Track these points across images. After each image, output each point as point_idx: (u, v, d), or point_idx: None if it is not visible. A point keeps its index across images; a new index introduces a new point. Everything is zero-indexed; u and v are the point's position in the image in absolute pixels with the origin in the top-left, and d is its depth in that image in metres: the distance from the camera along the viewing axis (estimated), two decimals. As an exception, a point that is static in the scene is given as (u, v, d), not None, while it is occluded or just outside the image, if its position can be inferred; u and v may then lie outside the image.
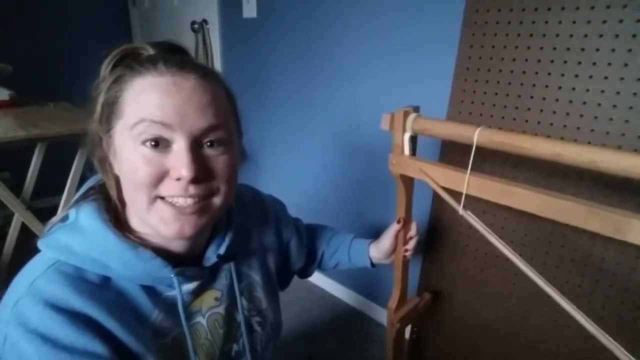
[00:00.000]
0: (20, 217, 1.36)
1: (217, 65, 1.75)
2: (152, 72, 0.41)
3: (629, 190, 0.75)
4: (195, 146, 0.41)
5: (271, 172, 1.70)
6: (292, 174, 1.64)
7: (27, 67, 1.92)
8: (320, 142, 1.47)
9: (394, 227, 0.77)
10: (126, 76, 0.42)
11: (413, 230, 0.79)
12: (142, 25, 2.24)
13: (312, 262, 0.81)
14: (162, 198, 0.42)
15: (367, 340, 1.38)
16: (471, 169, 0.62)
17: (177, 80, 0.40)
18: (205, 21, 1.72)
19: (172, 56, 0.43)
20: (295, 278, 0.80)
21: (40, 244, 0.43)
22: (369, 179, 1.35)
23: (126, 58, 0.44)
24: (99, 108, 0.43)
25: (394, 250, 0.80)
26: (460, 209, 0.64)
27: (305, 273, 0.82)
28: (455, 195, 0.66)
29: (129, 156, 0.41)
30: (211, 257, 0.51)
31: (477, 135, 0.60)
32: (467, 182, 0.63)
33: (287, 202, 0.76)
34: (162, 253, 0.45)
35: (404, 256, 0.82)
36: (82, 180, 0.55)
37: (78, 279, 0.41)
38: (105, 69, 0.44)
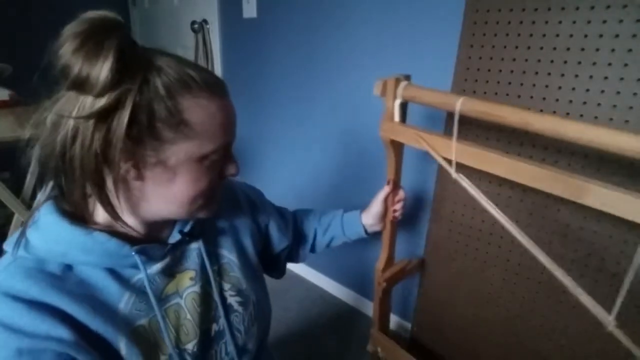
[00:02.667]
0: (20, 217, 1.36)
1: (217, 65, 1.75)
2: (206, 93, 0.44)
3: (590, 158, 0.76)
4: None
5: (271, 171, 1.71)
6: (292, 173, 1.64)
7: (27, 67, 1.92)
8: (321, 142, 1.47)
9: (384, 190, 0.84)
10: (184, 93, 0.42)
11: (401, 194, 0.87)
12: (142, 25, 2.24)
13: (302, 243, 0.83)
14: (214, 193, 0.50)
15: (367, 339, 1.37)
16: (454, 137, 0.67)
17: (228, 104, 0.47)
18: (205, 21, 1.72)
19: (213, 78, 0.46)
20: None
21: (4, 245, 0.45)
22: (370, 177, 1.35)
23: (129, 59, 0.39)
24: (143, 117, 0.40)
25: (385, 213, 0.86)
26: (453, 173, 0.68)
27: (296, 256, 0.83)
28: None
29: (192, 169, 0.45)
30: (175, 235, 0.53)
31: (459, 104, 0.64)
32: (454, 147, 0.67)
33: (287, 199, 0.76)
34: (130, 239, 0.46)
35: (394, 217, 0.89)
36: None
37: (38, 271, 0.42)
38: (112, 65, 0.37)
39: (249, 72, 1.65)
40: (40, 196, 0.47)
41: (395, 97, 0.75)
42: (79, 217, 0.46)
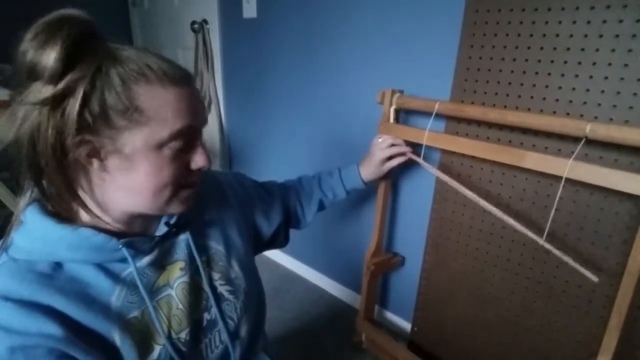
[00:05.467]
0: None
1: (217, 65, 1.75)
2: (163, 81, 0.43)
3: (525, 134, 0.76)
4: None
5: (271, 171, 1.70)
6: (291, 173, 1.64)
7: (27, 67, 1.92)
8: (321, 141, 1.47)
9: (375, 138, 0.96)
10: (139, 81, 0.42)
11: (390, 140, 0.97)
12: (142, 25, 2.24)
13: (304, 209, 0.90)
14: (184, 186, 0.48)
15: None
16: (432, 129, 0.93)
17: (188, 91, 0.46)
18: (205, 21, 1.72)
19: (174, 68, 0.46)
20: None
21: None
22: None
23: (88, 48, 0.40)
24: (95, 106, 0.41)
25: (385, 159, 0.94)
26: (419, 160, 0.94)
27: (297, 223, 0.90)
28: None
29: (151, 158, 0.44)
30: (162, 227, 0.53)
31: (437, 106, 0.91)
32: (426, 135, 0.93)
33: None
34: (117, 235, 0.47)
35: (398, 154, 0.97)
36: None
37: (27, 271, 0.43)
38: (60, 55, 0.38)
39: (249, 72, 1.65)
40: (21, 200, 0.47)
41: (391, 105, 1.01)
42: (64, 218, 0.46)
